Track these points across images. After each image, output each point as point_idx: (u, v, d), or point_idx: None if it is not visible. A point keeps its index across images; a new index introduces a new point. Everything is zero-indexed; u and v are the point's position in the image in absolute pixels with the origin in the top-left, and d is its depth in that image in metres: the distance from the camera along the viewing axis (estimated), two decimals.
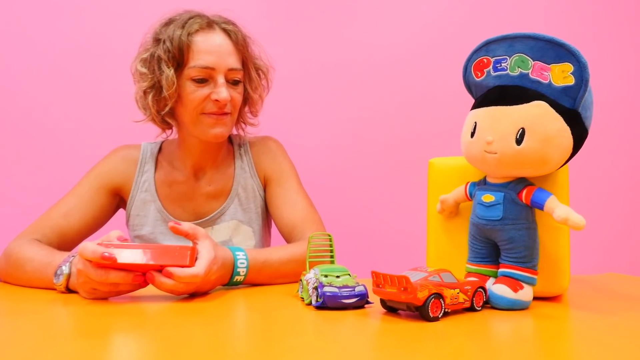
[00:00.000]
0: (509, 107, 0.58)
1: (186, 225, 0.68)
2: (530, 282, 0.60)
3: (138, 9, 1.34)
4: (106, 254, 0.60)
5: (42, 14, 1.32)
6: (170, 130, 0.98)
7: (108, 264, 0.61)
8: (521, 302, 0.59)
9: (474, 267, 0.65)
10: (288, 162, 1.02)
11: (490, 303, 0.60)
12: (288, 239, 0.94)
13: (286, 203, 0.96)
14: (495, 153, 0.59)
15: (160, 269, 0.62)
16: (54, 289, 0.71)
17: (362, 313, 0.57)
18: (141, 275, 0.63)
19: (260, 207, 1.00)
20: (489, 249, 0.63)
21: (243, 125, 1.02)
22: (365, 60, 1.41)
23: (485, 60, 0.63)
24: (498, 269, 0.63)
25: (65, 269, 0.69)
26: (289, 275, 0.80)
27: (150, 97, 0.88)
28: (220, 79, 0.88)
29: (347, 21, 1.41)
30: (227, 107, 0.90)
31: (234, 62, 0.90)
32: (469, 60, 0.65)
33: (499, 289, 0.60)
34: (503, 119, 0.58)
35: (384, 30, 1.41)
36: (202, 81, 0.87)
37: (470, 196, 0.66)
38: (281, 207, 0.96)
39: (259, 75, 0.97)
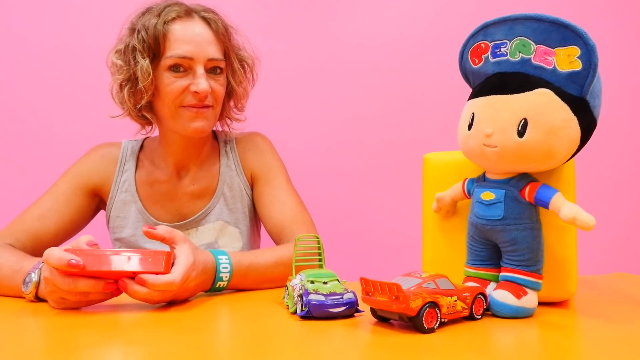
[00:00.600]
0: (509, 95, 0.53)
1: (162, 229, 0.63)
2: (535, 288, 0.56)
3: (120, 3, 1.29)
4: (73, 261, 0.55)
5: (19, 9, 1.28)
6: (150, 127, 0.93)
7: (76, 272, 0.56)
8: (525, 310, 0.54)
9: (472, 271, 0.60)
10: (276, 159, 0.97)
11: (491, 311, 0.55)
12: (277, 240, 0.90)
13: (274, 202, 0.91)
14: (495, 146, 0.53)
15: (133, 276, 0.58)
16: (24, 298, 0.66)
17: (350, 323, 0.53)
18: (113, 282, 0.58)
19: (247, 206, 0.96)
20: (489, 251, 0.59)
21: (228, 121, 0.97)
22: (356, 54, 1.36)
23: (483, 45, 0.57)
24: (499, 272, 0.58)
25: (34, 277, 0.64)
26: (277, 279, 0.75)
27: (126, 90, 0.83)
28: (200, 70, 0.82)
29: (340, 15, 1.36)
30: (208, 100, 0.85)
31: (214, 51, 0.84)
32: (466, 46, 0.60)
33: (500, 295, 0.55)
34: (503, 109, 0.53)
35: (376, 24, 1.36)
36: (179, 72, 0.82)
37: (469, 194, 0.61)
38: (269, 206, 0.91)
39: (243, 67, 0.91)
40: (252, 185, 0.96)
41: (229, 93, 0.92)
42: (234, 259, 0.70)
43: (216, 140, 0.99)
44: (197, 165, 0.94)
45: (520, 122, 0.52)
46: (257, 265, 0.73)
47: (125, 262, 0.57)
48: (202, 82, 0.82)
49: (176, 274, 0.59)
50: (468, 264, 0.61)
